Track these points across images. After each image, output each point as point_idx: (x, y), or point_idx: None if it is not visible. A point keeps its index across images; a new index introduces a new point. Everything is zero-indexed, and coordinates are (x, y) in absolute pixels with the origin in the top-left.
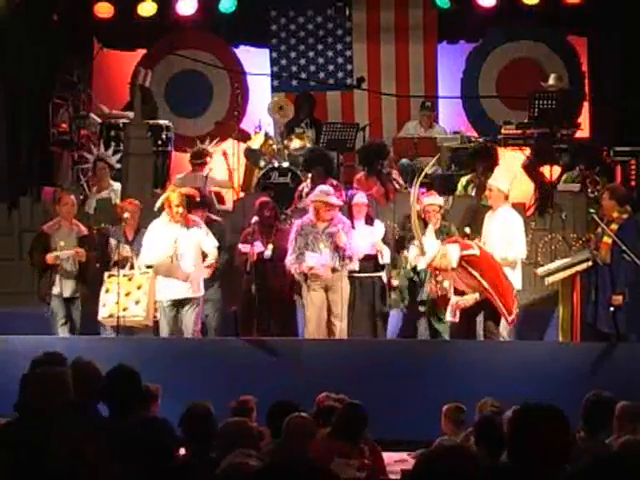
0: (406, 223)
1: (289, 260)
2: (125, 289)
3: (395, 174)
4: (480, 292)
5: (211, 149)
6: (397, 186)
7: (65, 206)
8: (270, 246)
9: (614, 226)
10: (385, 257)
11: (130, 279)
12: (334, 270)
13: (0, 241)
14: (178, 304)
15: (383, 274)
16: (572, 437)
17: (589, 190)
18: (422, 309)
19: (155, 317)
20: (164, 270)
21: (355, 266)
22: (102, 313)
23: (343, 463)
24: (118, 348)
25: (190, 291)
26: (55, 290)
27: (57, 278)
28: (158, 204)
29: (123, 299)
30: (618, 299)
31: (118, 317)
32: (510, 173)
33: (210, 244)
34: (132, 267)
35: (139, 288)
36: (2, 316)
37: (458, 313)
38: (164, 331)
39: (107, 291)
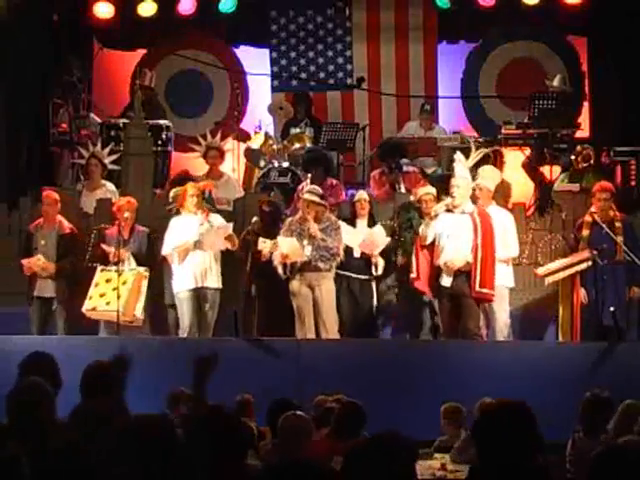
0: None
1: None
2: (114, 284)
3: (414, 174)
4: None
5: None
6: (402, 190)
7: (48, 205)
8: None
9: (618, 224)
10: (379, 269)
11: (120, 274)
12: (317, 269)
13: (0, 241)
14: (198, 294)
15: (373, 283)
16: (537, 430)
17: None
18: (426, 298)
19: (135, 316)
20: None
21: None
22: (86, 305)
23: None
24: (117, 348)
25: (209, 281)
26: (36, 292)
27: (37, 279)
28: (172, 194)
29: (110, 293)
30: (638, 291)
31: (118, 317)
32: (496, 172)
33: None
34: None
35: (124, 284)
36: (2, 316)
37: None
38: (185, 323)
39: (96, 285)
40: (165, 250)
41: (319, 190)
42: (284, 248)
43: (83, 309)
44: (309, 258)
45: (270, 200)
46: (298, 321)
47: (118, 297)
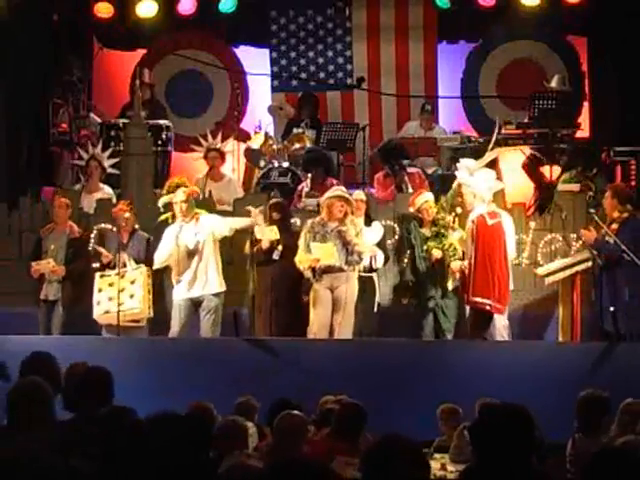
0: (409, 223)
1: (298, 258)
2: (119, 286)
3: (417, 174)
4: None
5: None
6: (410, 190)
7: (58, 209)
8: (279, 247)
9: (615, 225)
10: (378, 262)
11: (122, 276)
12: (340, 270)
13: (0, 241)
14: (195, 304)
15: (374, 275)
16: (535, 435)
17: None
18: (431, 304)
19: (149, 313)
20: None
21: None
22: (97, 311)
23: (343, 462)
24: (117, 348)
25: (207, 288)
26: (42, 294)
27: (44, 282)
28: (161, 203)
29: (120, 295)
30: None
31: (118, 316)
32: (490, 173)
33: (227, 223)
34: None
35: (133, 283)
36: (2, 316)
37: (458, 278)
38: (174, 330)
39: (100, 290)
40: (155, 264)
41: (344, 189)
42: (317, 254)
43: (94, 316)
44: (335, 262)
45: (277, 204)
46: (311, 322)
47: (131, 296)
